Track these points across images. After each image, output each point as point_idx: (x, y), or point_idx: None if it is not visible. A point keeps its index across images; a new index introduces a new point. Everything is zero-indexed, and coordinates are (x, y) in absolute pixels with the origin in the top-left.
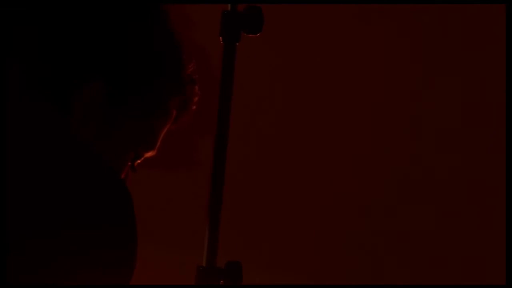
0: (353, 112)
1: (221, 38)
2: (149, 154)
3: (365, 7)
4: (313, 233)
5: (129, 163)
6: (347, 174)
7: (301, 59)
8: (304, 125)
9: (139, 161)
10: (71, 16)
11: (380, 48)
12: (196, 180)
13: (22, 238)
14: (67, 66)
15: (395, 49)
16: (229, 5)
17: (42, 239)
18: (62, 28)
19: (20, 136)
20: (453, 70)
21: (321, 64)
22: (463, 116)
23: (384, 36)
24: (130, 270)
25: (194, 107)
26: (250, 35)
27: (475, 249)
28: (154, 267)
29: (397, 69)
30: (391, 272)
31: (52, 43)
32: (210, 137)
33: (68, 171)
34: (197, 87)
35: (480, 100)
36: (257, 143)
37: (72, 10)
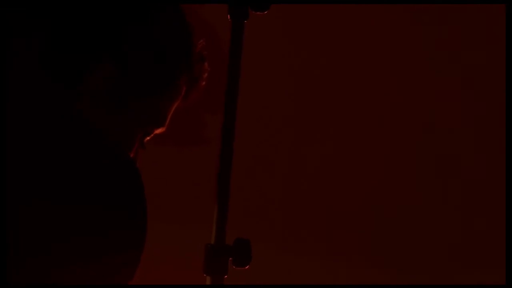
0: (366, 95)
1: (229, 15)
2: (158, 131)
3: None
4: (322, 211)
5: (138, 141)
6: (355, 151)
7: (310, 38)
8: (313, 99)
9: (148, 138)
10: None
11: (381, 47)
12: (205, 157)
13: (30, 222)
14: (77, 48)
15: (397, 48)
16: None
17: (48, 221)
18: (73, 11)
19: (28, 117)
20: (453, 70)
21: (330, 45)
22: (463, 116)
23: (384, 35)
24: (139, 251)
25: (204, 83)
26: (258, 13)
27: (475, 248)
28: (163, 245)
29: (397, 69)
30: (391, 268)
31: (62, 26)
32: (220, 114)
33: (76, 152)
34: (206, 64)
35: (480, 100)
36: (267, 120)
37: None
